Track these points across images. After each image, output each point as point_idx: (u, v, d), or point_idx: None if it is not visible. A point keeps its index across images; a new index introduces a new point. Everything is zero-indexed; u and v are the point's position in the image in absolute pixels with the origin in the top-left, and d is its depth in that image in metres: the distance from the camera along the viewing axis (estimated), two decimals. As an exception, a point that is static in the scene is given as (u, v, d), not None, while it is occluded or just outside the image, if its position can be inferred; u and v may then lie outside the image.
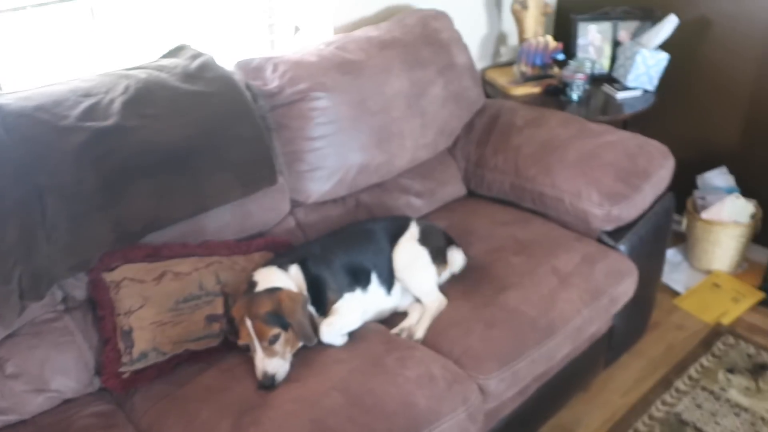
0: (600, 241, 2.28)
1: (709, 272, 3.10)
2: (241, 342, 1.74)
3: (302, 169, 2.22)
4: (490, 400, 1.85)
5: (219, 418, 1.62)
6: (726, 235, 2.97)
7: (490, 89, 3.06)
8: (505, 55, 3.35)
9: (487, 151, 2.56)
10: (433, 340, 1.91)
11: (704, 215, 3.00)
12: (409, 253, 2.05)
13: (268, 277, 1.83)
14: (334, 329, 1.81)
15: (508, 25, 3.24)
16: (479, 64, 3.23)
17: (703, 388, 2.49)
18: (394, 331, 1.95)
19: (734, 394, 2.45)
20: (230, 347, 1.84)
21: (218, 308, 1.87)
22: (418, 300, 2.03)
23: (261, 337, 1.70)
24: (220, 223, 2.05)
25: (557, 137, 2.46)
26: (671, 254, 3.20)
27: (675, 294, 3.00)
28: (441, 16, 2.61)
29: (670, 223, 2.47)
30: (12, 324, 1.71)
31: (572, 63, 2.95)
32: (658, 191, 2.35)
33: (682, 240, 3.22)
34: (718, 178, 3.08)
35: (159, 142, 1.86)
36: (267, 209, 2.17)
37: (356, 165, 2.29)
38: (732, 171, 3.08)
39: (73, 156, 1.73)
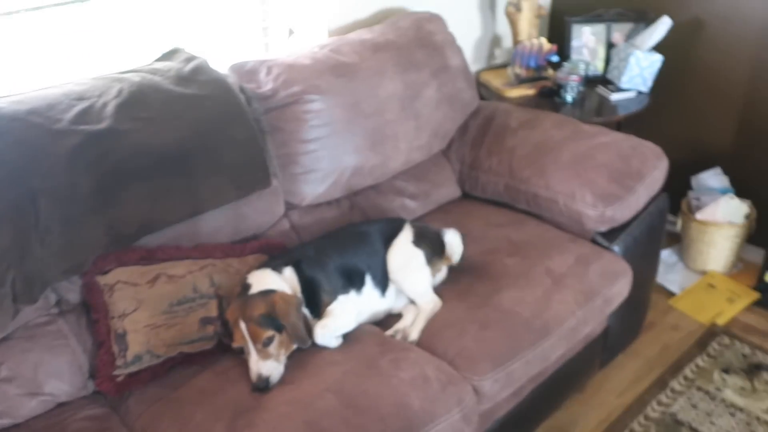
0: (594, 242, 2.29)
1: (704, 273, 3.10)
2: (235, 344, 1.74)
3: (296, 172, 2.22)
4: (485, 402, 1.85)
5: (213, 421, 1.62)
6: (721, 235, 2.98)
7: (484, 91, 3.07)
8: (500, 58, 3.36)
9: (482, 153, 2.57)
10: (427, 341, 1.91)
11: (699, 216, 3.01)
12: (404, 255, 2.05)
13: (262, 280, 1.83)
14: (329, 331, 1.81)
15: (503, 27, 3.25)
16: (474, 67, 3.24)
17: (699, 388, 2.49)
18: (389, 332, 1.96)
19: (729, 394, 2.46)
20: (224, 350, 1.83)
21: (212, 311, 1.87)
22: (412, 301, 2.03)
23: (255, 339, 1.70)
24: (215, 225, 2.05)
25: (551, 139, 2.46)
26: (666, 255, 3.21)
27: (670, 294, 3.01)
28: (435, 19, 2.61)
29: (664, 223, 2.48)
30: (5, 327, 1.71)
31: (566, 65, 2.96)
32: (651, 192, 2.36)
33: (677, 241, 3.23)
34: (713, 178, 3.09)
35: (153, 145, 1.86)
36: (261, 212, 2.18)
37: (350, 167, 2.29)
38: (726, 172, 3.09)
39: (66, 159, 1.73)
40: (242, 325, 1.70)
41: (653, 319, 2.83)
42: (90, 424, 1.70)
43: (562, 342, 2.01)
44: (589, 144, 2.41)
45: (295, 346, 1.78)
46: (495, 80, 3.10)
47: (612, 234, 2.29)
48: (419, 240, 2.08)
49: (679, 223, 3.14)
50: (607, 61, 3.14)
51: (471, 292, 2.04)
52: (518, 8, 3.02)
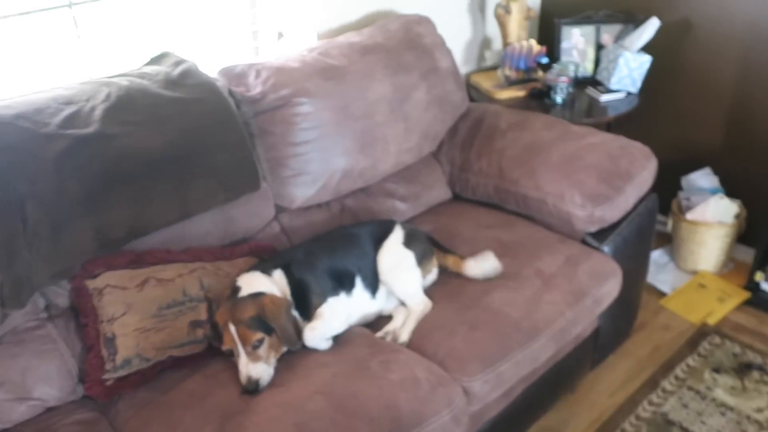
0: (584, 242, 2.30)
1: (695, 272, 3.11)
2: (224, 347, 1.74)
3: (286, 175, 2.22)
4: (475, 402, 1.85)
5: (202, 424, 1.62)
6: (711, 235, 2.99)
7: (474, 93, 3.08)
8: (490, 60, 3.37)
9: (472, 155, 2.57)
10: (417, 342, 1.92)
11: (689, 216, 3.02)
12: (394, 256, 2.06)
13: (252, 282, 1.83)
14: (318, 333, 1.81)
15: (492, 29, 3.26)
16: (464, 69, 3.25)
17: (690, 388, 2.50)
18: (379, 334, 1.96)
19: (720, 394, 2.46)
20: (214, 353, 1.84)
21: (202, 314, 1.87)
22: (403, 303, 2.03)
23: (245, 341, 1.70)
24: (204, 229, 2.06)
25: (541, 140, 2.47)
26: (657, 255, 3.22)
27: (661, 295, 3.02)
28: (424, 21, 2.62)
29: (653, 223, 2.49)
30: (-6, 332, 1.71)
31: (556, 66, 2.97)
32: (640, 192, 2.37)
33: (668, 241, 3.24)
34: (703, 179, 3.10)
35: (141, 149, 1.86)
36: (251, 215, 2.18)
37: (340, 170, 2.30)
38: (716, 172, 3.10)
39: (54, 163, 1.73)
40: (232, 328, 1.70)
41: (644, 319, 2.84)
42: (79, 429, 1.70)
43: (551, 342, 2.02)
44: (578, 145, 2.41)
45: (284, 349, 1.78)
46: (485, 82, 3.11)
47: (601, 234, 2.29)
48: (410, 241, 2.09)
49: (670, 223, 3.15)
50: (597, 62, 3.15)
51: (461, 294, 2.05)
52: (507, 10, 3.03)
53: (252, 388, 1.68)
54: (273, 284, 1.86)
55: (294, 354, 1.79)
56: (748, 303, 2.92)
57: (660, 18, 2.92)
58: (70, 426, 1.70)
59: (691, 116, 3.14)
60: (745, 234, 3.05)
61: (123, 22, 2.26)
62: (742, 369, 2.57)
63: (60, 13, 2.11)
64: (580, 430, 2.38)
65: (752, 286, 2.93)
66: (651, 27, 2.91)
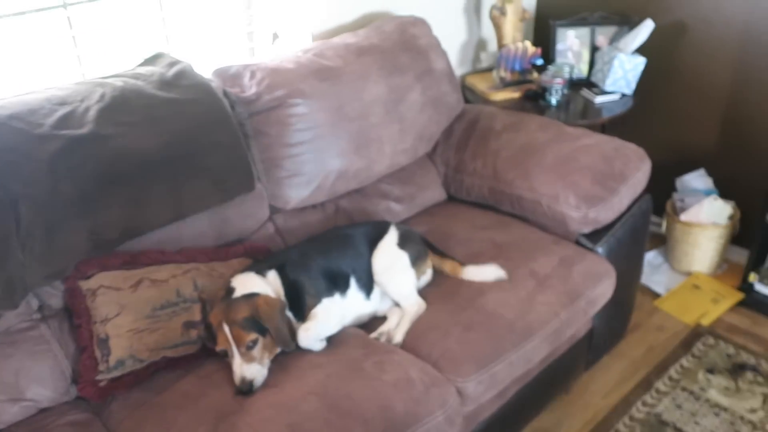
0: (578, 243, 2.30)
1: (689, 274, 3.12)
2: (218, 348, 1.74)
3: (281, 176, 2.22)
4: (469, 403, 1.86)
5: (196, 425, 1.62)
6: (705, 236, 3.00)
7: (470, 95, 3.08)
8: (485, 61, 3.37)
9: (466, 156, 2.58)
10: (411, 343, 1.92)
11: (683, 217, 3.03)
12: (388, 257, 2.06)
13: (246, 283, 1.83)
14: (312, 334, 1.81)
15: (488, 31, 3.26)
16: (459, 70, 3.26)
17: (683, 389, 2.51)
18: (373, 335, 1.96)
19: (714, 394, 2.47)
20: (208, 354, 1.84)
21: (196, 315, 1.87)
22: (397, 304, 2.03)
23: (239, 342, 1.70)
24: (199, 229, 2.06)
25: (535, 141, 2.48)
26: (652, 256, 3.23)
27: (656, 296, 3.03)
28: (419, 23, 2.62)
29: (647, 224, 2.49)
30: (-14, 333, 1.71)
31: (551, 68, 2.97)
32: (634, 193, 2.38)
33: (662, 242, 3.25)
34: (697, 180, 3.11)
35: (135, 150, 1.86)
36: (245, 216, 2.18)
37: (335, 171, 2.30)
38: (710, 173, 3.11)
39: (48, 164, 1.72)
40: (226, 329, 1.70)
41: (639, 320, 2.84)
42: (72, 430, 1.70)
43: (546, 343, 2.02)
44: (572, 146, 2.42)
45: (278, 350, 1.78)
46: (480, 83, 3.12)
47: (595, 235, 2.30)
48: (404, 242, 2.09)
49: (664, 224, 3.16)
50: (592, 64, 3.16)
51: (455, 294, 2.05)
52: (503, 12, 3.04)
53: (246, 389, 1.68)
54: (267, 285, 1.86)
55: (288, 355, 1.79)
56: (741, 304, 2.93)
57: (654, 20, 2.93)
58: (64, 427, 1.70)
59: (685, 118, 3.15)
60: (739, 235, 3.06)
61: (118, 23, 2.26)
62: (736, 370, 2.58)
63: (54, 13, 2.11)
64: (574, 430, 2.38)
65: (746, 287, 2.93)
66: (645, 29, 2.92)
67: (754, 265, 2.88)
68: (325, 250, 2.03)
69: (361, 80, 2.33)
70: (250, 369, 1.70)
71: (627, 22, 3.07)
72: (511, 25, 3.07)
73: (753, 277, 2.89)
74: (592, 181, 2.28)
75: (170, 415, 1.67)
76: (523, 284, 2.07)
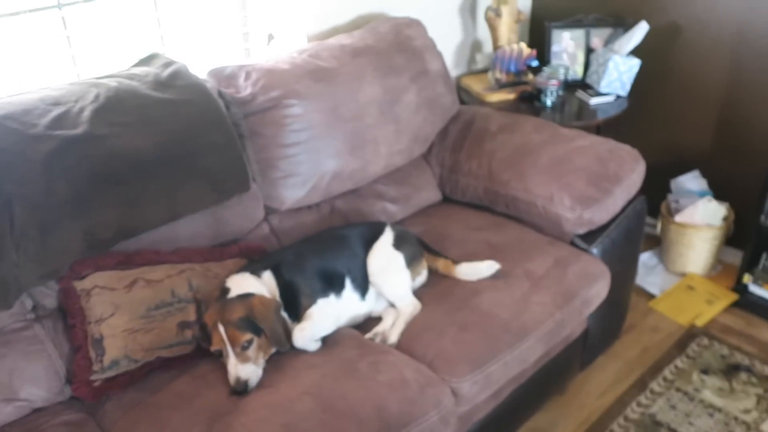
0: (573, 244, 2.31)
1: (683, 275, 3.13)
2: (213, 348, 1.74)
3: (276, 176, 2.22)
4: (464, 404, 1.86)
5: (191, 425, 1.62)
6: (699, 237, 3.01)
7: (465, 96, 3.09)
8: (480, 63, 3.38)
9: (462, 157, 2.58)
10: (406, 344, 1.92)
11: (678, 218, 3.04)
12: (384, 258, 2.06)
13: (241, 283, 1.83)
14: (307, 335, 1.81)
15: (483, 32, 3.27)
16: (455, 72, 3.26)
17: (678, 389, 2.51)
18: (368, 335, 1.96)
19: (708, 395, 2.48)
20: (203, 354, 1.84)
21: (190, 315, 1.87)
22: (392, 305, 2.03)
23: (234, 342, 1.70)
24: (194, 230, 2.05)
25: (530, 142, 2.48)
26: (647, 257, 3.24)
27: (650, 297, 3.03)
28: (414, 24, 2.63)
29: (642, 225, 2.50)
30: (-20, 333, 1.70)
31: (546, 69, 2.98)
32: (629, 195, 2.38)
33: (657, 243, 3.26)
34: (691, 181, 3.12)
35: (130, 150, 1.85)
36: (240, 216, 2.18)
37: (330, 171, 2.30)
38: (704, 175, 3.12)
39: (42, 164, 1.72)
40: (221, 329, 1.70)
41: (633, 321, 2.85)
42: (67, 430, 1.69)
43: (540, 344, 2.02)
44: (567, 147, 2.43)
45: (273, 350, 1.78)
46: (476, 85, 3.12)
47: (590, 236, 2.30)
48: (399, 243, 2.10)
49: (659, 225, 3.17)
50: (587, 65, 3.17)
51: (450, 295, 2.05)
52: (498, 14, 3.04)
53: (241, 389, 1.68)
54: (262, 285, 1.86)
55: (283, 355, 1.79)
56: (736, 305, 2.94)
57: (649, 22, 2.94)
58: (58, 427, 1.70)
59: (679, 119, 3.16)
60: (733, 236, 3.07)
61: (112, 23, 2.26)
62: (730, 370, 2.59)
63: (49, 14, 2.10)
64: (568, 431, 2.39)
65: (740, 288, 2.94)
66: (640, 31, 2.93)
67: (749, 266, 2.89)
68: (321, 250, 2.03)
69: (357, 81, 2.33)
70: (245, 369, 1.70)
71: (622, 24, 3.08)
72: (506, 27, 3.07)
73: (747, 279, 2.90)
74: (587, 183, 2.29)
75: (165, 415, 1.67)
76: (518, 285, 2.08)
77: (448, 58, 3.14)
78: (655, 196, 3.01)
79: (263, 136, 2.19)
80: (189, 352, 1.85)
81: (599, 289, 2.22)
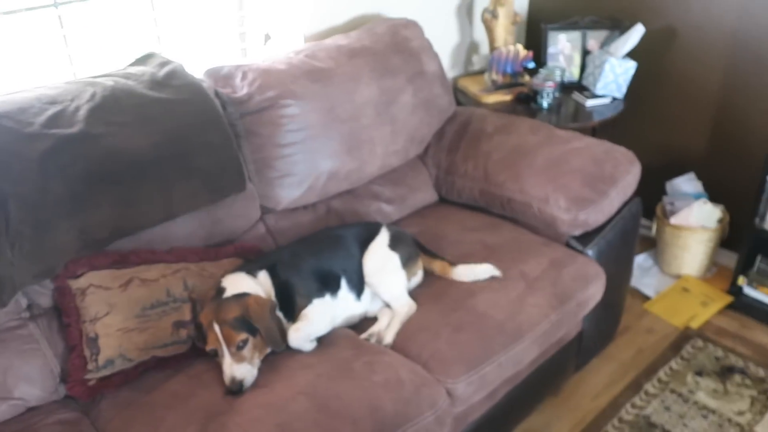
0: (568, 245, 2.31)
1: (678, 276, 3.14)
2: (208, 347, 1.74)
3: (272, 176, 2.22)
4: (458, 404, 1.86)
5: (185, 425, 1.62)
6: (694, 240, 3.02)
7: (462, 97, 3.09)
8: (477, 64, 3.39)
9: (458, 158, 2.58)
10: (402, 344, 1.92)
11: (673, 220, 3.05)
12: (379, 258, 2.06)
13: (237, 283, 1.83)
14: (302, 335, 1.81)
15: (479, 34, 3.28)
16: (451, 73, 3.27)
17: (672, 391, 2.52)
18: (363, 336, 1.96)
19: (702, 397, 2.48)
20: (198, 353, 1.84)
21: (186, 314, 1.87)
22: (387, 305, 2.03)
23: (229, 342, 1.70)
24: (189, 229, 2.05)
25: (526, 144, 2.49)
26: (642, 259, 3.24)
27: (646, 298, 3.04)
28: (411, 25, 2.63)
29: (637, 227, 2.51)
30: (-25, 332, 1.70)
31: (542, 71, 2.99)
32: (624, 196, 2.39)
33: (652, 245, 3.27)
34: (687, 184, 3.13)
35: (126, 149, 1.85)
36: (236, 216, 2.18)
37: (326, 172, 2.30)
38: (700, 177, 3.13)
39: (38, 163, 1.72)
40: (216, 328, 1.70)
41: (628, 322, 2.86)
42: (61, 429, 1.69)
43: (535, 345, 2.03)
44: (563, 149, 2.43)
45: (268, 350, 1.78)
46: (472, 86, 3.13)
47: (585, 238, 2.31)
48: (395, 243, 2.10)
49: (654, 227, 3.18)
50: (583, 67, 3.18)
51: (445, 296, 2.05)
52: (494, 15, 3.05)
53: (236, 389, 1.68)
54: (258, 285, 1.86)
55: (278, 355, 1.79)
56: (730, 307, 2.95)
57: (645, 25, 2.94)
58: (52, 426, 1.69)
59: (675, 122, 3.17)
60: (728, 239, 3.08)
61: (109, 22, 2.26)
62: (724, 372, 2.59)
63: (45, 12, 2.10)
64: (563, 432, 2.40)
65: (735, 291, 2.95)
66: (636, 33, 2.93)
67: (743, 268, 2.90)
68: (316, 250, 2.03)
69: (353, 82, 2.34)
70: (240, 369, 1.70)
71: (618, 26, 3.09)
72: (502, 29, 3.08)
73: (742, 281, 2.91)
74: (582, 184, 2.29)
75: (159, 414, 1.66)
76: (514, 286, 2.08)
77: (445, 60, 3.15)
78: (650, 197, 3.02)
79: (259, 136, 2.19)
80: (184, 352, 1.85)
81: (594, 291, 2.22)
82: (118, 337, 1.77)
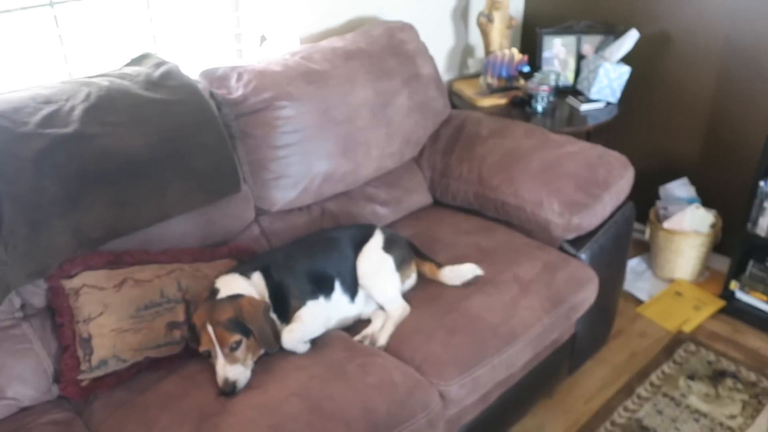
0: (561, 249, 2.32)
1: (671, 281, 3.15)
2: (202, 348, 1.74)
3: (267, 178, 2.22)
4: (451, 407, 1.86)
5: (179, 425, 1.62)
6: (687, 244, 3.03)
7: (457, 100, 3.10)
8: (472, 67, 3.39)
9: (452, 161, 2.59)
10: (395, 346, 1.92)
11: (666, 225, 3.06)
12: (373, 260, 2.06)
13: (230, 284, 1.83)
14: (296, 336, 1.81)
15: (475, 37, 3.29)
16: (447, 76, 3.28)
17: (664, 395, 2.53)
18: (357, 338, 1.96)
19: (694, 401, 2.49)
20: (191, 354, 1.83)
21: (179, 315, 1.86)
22: (381, 307, 2.04)
23: (222, 343, 1.70)
24: (184, 230, 2.05)
25: (521, 147, 2.49)
26: (635, 263, 3.26)
27: (639, 302, 3.05)
28: (406, 28, 2.64)
29: (630, 231, 2.52)
30: (-32, 331, 1.69)
31: (537, 75, 3.00)
32: (617, 201, 2.40)
33: (645, 249, 3.28)
34: (680, 188, 3.14)
35: (121, 150, 1.85)
36: (231, 217, 2.18)
37: (321, 173, 2.30)
38: (693, 182, 3.14)
39: (32, 163, 1.72)
40: (209, 329, 1.70)
41: (621, 326, 2.87)
42: (54, 429, 1.69)
43: (528, 348, 2.03)
44: (557, 153, 2.44)
45: (262, 351, 1.78)
46: (467, 89, 3.13)
47: (579, 242, 2.32)
48: (389, 246, 2.10)
49: (647, 231, 3.19)
50: (577, 72, 3.19)
51: (439, 298, 2.06)
52: (490, 19, 3.06)
53: (229, 390, 1.68)
54: (252, 287, 1.86)
55: (271, 356, 1.79)
56: (723, 311, 2.96)
57: (639, 30, 2.96)
58: (45, 426, 1.69)
59: (668, 127, 3.19)
60: (721, 243, 3.10)
61: (104, 22, 2.26)
62: (716, 376, 2.61)
63: (41, 12, 2.10)
64: (556, 435, 2.40)
65: (727, 295, 2.97)
66: (630, 38, 2.95)
67: (736, 273, 2.91)
68: (311, 252, 2.03)
69: (349, 84, 2.34)
70: (234, 370, 1.69)
71: (612, 31, 3.11)
72: (498, 32, 3.09)
73: (734, 285, 2.92)
74: (576, 188, 2.30)
75: (152, 415, 1.66)
76: (507, 289, 2.09)
77: (440, 63, 3.15)
78: (643, 202, 3.03)
79: (254, 137, 2.19)
80: (177, 353, 1.85)
81: (587, 294, 2.23)
82: (111, 338, 1.77)
